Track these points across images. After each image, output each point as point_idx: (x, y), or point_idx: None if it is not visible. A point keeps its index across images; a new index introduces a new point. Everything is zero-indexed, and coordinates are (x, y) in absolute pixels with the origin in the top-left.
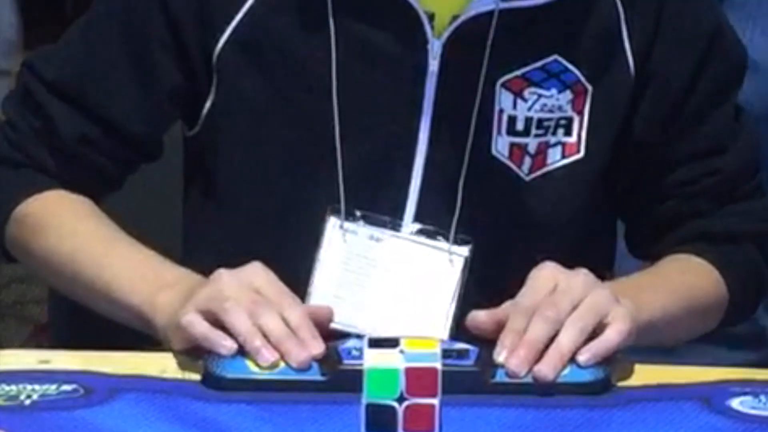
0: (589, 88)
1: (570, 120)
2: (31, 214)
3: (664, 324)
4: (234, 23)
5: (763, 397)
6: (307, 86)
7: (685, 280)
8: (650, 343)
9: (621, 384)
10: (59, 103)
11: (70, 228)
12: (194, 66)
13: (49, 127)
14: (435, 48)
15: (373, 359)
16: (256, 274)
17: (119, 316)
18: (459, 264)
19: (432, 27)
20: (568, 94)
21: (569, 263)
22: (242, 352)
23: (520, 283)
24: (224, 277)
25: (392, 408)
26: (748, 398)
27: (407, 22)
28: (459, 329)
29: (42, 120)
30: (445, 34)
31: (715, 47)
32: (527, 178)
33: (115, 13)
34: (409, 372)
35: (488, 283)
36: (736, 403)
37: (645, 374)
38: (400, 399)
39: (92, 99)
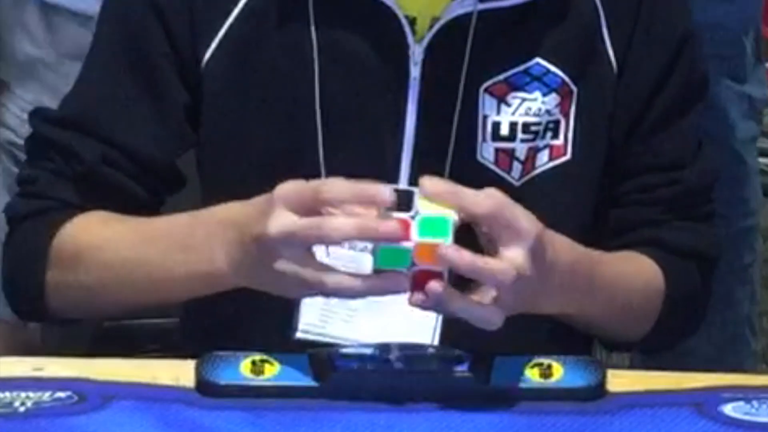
0: (574, 89)
1: (557, 123)
2: (60, 249)
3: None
4: (221, 34)
5: (755, 403)
6: (290, 96)
7: (630, 281)
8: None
9: (614, 390)
10: (73, 133)
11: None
12: (191, 80)
13: (67, 157)
14: (416, 54)
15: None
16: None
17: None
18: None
19: (413, 32)
20: (554, 97)
21: None
22: (236, 357)
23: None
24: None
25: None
26: (740, 404)
27: (388, 28)
28: (446, 335)
29: (58, 154)
30: (426, 39)
31: (683, 53)
32: (517, 184)
33: (114, 39)
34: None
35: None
36: (728, 409)
37: (638, 380)
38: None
39: (106, 126)
